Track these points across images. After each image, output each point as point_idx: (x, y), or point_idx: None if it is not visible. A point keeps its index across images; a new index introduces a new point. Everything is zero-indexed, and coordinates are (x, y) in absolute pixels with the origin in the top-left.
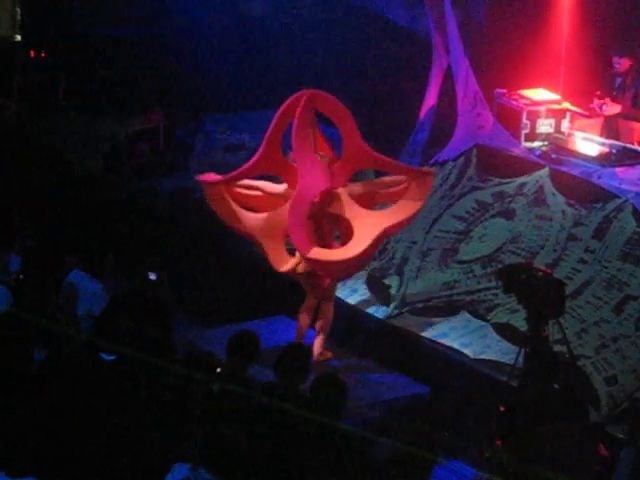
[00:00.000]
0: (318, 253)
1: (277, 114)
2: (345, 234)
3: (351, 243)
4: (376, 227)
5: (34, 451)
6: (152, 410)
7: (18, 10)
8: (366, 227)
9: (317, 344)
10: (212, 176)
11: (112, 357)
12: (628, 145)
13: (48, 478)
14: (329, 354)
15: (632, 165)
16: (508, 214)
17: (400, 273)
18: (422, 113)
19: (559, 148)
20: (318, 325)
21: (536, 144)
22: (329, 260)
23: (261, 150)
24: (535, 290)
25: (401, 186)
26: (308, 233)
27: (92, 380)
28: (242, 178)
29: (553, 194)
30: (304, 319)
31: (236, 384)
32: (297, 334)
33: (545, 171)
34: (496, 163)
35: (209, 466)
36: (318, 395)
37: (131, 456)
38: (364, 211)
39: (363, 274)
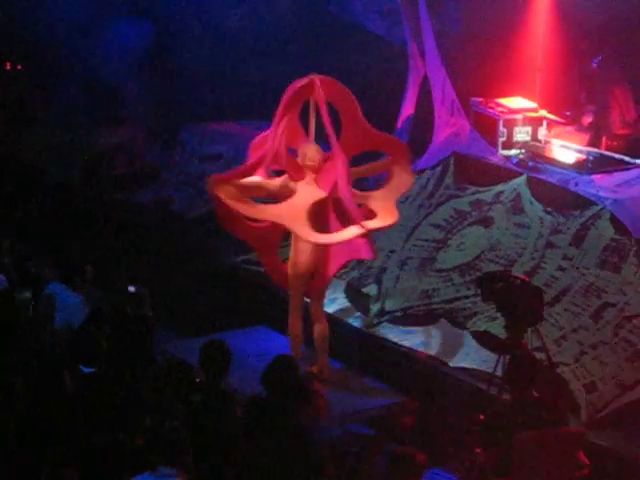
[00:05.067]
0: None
1: (285, 101)
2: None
3: (381, 215)
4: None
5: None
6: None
7: None
8: (382, 202)
9: (322, 361)
10: (219, 176)
11: (90, 369)
12: (605, 152)
13: None
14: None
15: (609, 172)
16: (486, 222)
17: (379, 282)
18: (399, 122)
19: (536, 156)
20: (318, 340)
21: (513, 152)
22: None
23: (275, 140)
24: (513, 298)
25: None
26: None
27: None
28: (252, 173)
29: (530, 202)
30: (296, 328)
31: (214, 395)
32: (293, 347)
33: (522, 179)
34: (473, 171)
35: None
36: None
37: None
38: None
39: (342, 283)
